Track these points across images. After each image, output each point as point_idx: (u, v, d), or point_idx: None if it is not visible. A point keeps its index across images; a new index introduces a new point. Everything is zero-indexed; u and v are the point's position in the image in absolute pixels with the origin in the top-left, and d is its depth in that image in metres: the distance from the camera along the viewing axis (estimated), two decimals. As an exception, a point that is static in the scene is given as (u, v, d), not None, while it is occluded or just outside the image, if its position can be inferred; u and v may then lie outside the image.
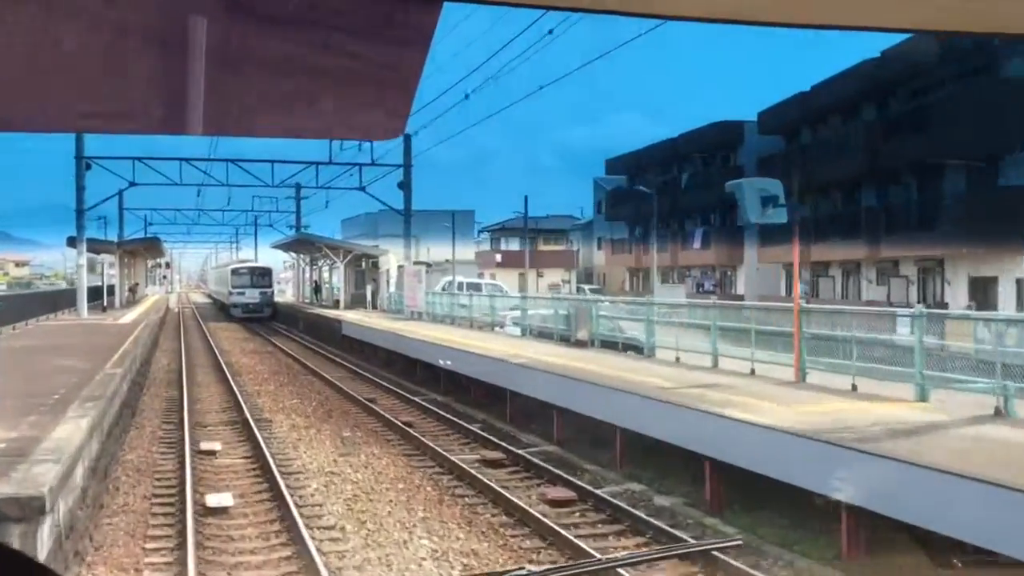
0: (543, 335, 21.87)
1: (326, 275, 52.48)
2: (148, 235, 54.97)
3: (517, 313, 26.52)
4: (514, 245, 64.86)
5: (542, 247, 70.47)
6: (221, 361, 27.71)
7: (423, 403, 18.26)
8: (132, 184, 35.13)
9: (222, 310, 52.91)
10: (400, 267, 37.84)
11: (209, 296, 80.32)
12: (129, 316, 34.40)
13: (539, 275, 62.35)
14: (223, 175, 40.83)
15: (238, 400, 18.66)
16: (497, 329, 25.51)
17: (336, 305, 42.80)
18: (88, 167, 30.79)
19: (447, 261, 41.49)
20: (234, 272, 45.97)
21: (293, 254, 53.47)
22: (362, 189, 36.92)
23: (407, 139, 34.65)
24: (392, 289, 38.03)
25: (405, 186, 35.51)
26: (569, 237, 72.78)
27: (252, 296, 45.07)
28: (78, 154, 32.00)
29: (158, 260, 72.70)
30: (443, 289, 36.00)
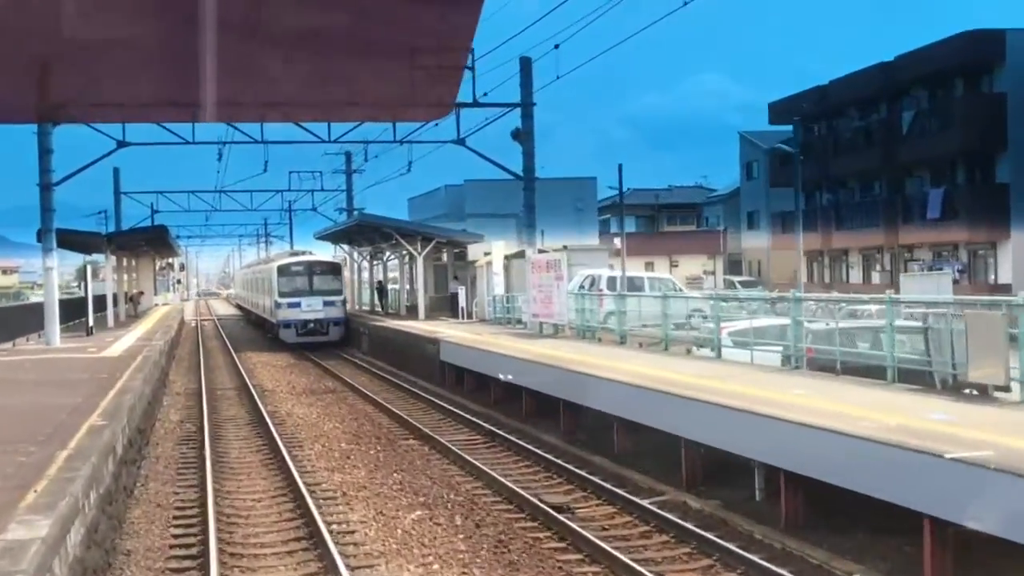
0: (846, 369, 14.47)
1: (393, 273, 46.99)
2: (153, 224, 49.48)
3: (742, 325, 18.83)
4: (627, 227, 58.93)
5: (668, 228, 65.49)
6: (264, 412, 20.89)
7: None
8: (121, 144, 27.78)
9: (259, 327, 47.22)
10: (510, 258, 32.23)
11: (238, 307, 74.11)
12: (123, 342, 27.95)
13: (672, 264, 55.48)
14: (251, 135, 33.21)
15: (319, 531, 11.07)
16: (699, 351, 19.11)
17: (409, 314, 38.79)
18: (56, 121, 22.33)
19: (564, 247, 33.72)
20: (283, 271, 37.53)
21: (345, 247, 47.82)
22: (460, 142, 29.12)
23: (526, 65, 26.80)
24: (499, 290, 31.90)
25: (525, 135, 27.78)
26: (703, 214, 66.35)
27: (313, 308, 36.57)
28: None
29: (168, 260, 68.28)
30: (582, 287, 28.56)
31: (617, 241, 43.67)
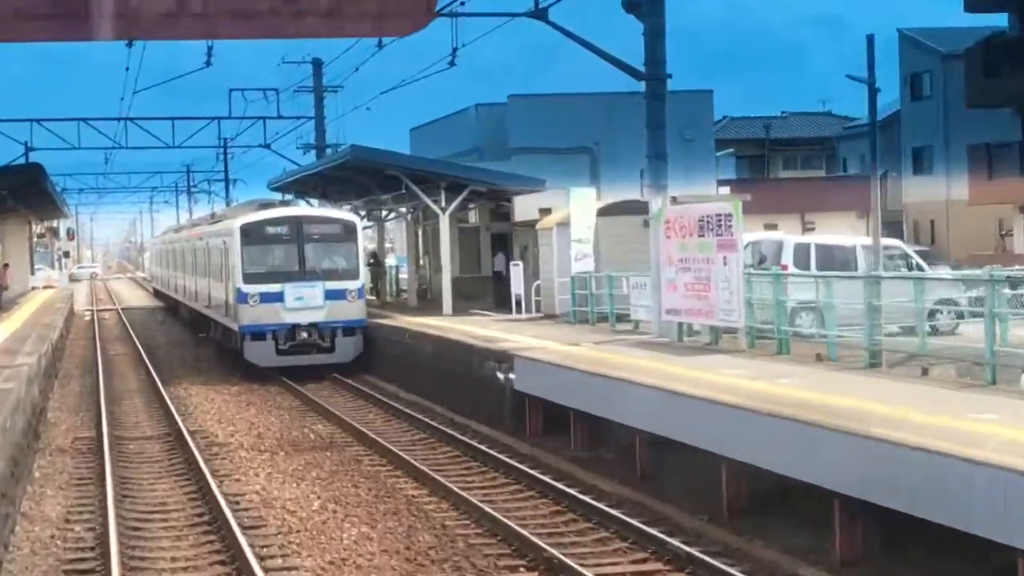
0: None
1: (395, 243, 44.92)
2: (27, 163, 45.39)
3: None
4: (725, 171, 56.82)
5: (785, 174, 63.88)
6: (221, 499, 16.00)
7: None
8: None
9: (199, 331, 42.75)
10: (605, 215, 29.76)
11: (156, 293, 71.18)
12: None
13: (807, 226, 51.03)
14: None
15: None
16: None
17: (424, 304, 37.89)
18: None
19: (674, 199, 30.52)
20: (250, 234, 32.63)
21: (315, 203, 44.28)
22: (538, 15, 23.73)
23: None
24: (582, 267, 29.00)
25: (650, 5, 22.73)
26: (837, 153, 63.65)
27: (307, 302, 31.47)
28: None
29: (50, 223, 65.13)
30: (760, 263, 25.14)
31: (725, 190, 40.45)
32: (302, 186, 43.99)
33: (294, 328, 31.38)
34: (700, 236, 21.31)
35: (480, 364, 24.00)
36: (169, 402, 26.53)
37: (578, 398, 19.35)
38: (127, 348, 42.05)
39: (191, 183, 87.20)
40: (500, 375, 22.51)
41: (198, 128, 53.50)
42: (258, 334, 31.59)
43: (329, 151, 47.14)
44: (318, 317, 31.45)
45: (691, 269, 21.83)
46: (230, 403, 27.49)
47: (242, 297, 31.61)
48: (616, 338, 24.07)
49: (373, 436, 21.42)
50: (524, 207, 33.46)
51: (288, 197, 44.05)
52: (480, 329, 27.88)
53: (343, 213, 36.57)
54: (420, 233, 42.40)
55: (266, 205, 35.35)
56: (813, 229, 50.18)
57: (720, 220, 20.78)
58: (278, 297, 31.39)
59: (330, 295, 31.52)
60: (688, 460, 15.87)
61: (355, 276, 32.26)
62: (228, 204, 63.36)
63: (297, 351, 31.47)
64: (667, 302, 22.67)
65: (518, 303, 31.30)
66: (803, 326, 21.47)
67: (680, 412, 15.77)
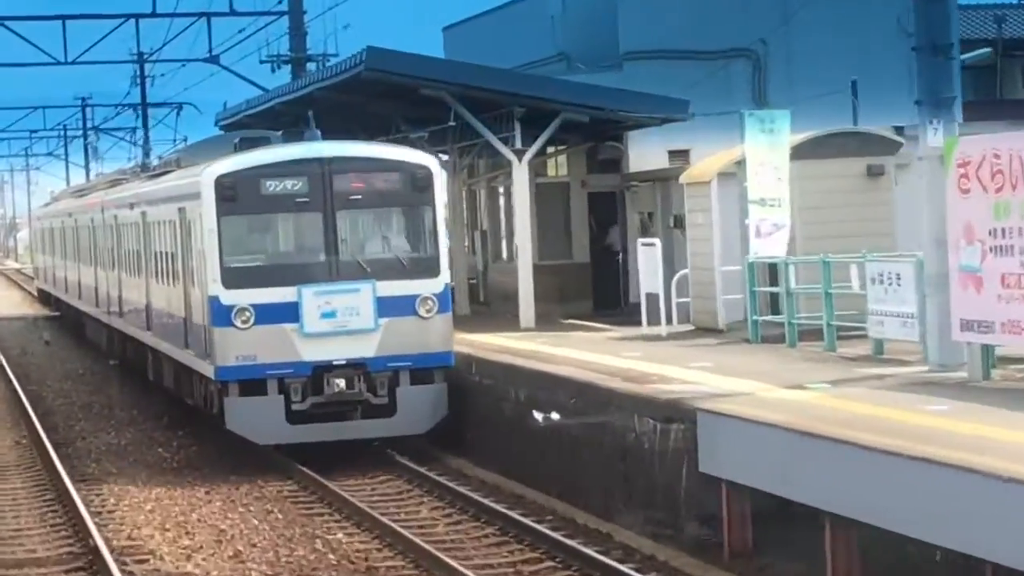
0: None
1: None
2: None
3: None
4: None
5: None
6: None
7: None
8: None
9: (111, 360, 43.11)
10: (800, 150, 29.72)
11: (42, 296, 72.56)
12: None
13: None
14: None
15: None
16: None
17: (474, 307, 38.69)
18: None
19: (901, 132, 32.55)
20: (230, 191, 28.84)
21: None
22: None
23: None
24: (772, 251, 28.92)
25: None
26: None
27: (350, 321, 27.43)
28: None
29: None
30: None
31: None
32: (274, 123, 41.10)
33: (321, 371, 26.87)
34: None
35: (626, 424, 22.15)
36: (71, 488, 24.63)
37: (849, 497, 16.86)
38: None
39: (88, 124, 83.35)
40: (668, 440, 21.03)
41: (104, 32, 51.56)
42: (253, 383, 27.07)
43: (312, 67, 46.16)
44: (365, 350, 26.94)
45: (1017, 249, 20.01)
46: (180, 488, 25.67)
47: (221, 313, 27.04)
48: (858, 373, 22.53)
49: (437, 554, 19.51)
50: (640, 152, 34.78)
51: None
52: (601, 356, 26.42)
53: (406, 150, 31.57)
54: (478, 193, 41.53)
55: (252, 141, 31.13)
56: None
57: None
58: (290, 312, 26.87)
59: (387, 307, 27.14)
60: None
61: (432, 268, 27.96)
62: (146, 156, 60.52)
63: (325, 414, 27.24)
64: (962, 309, 20.93)
65: (649, 308, 29.92)
66: None
67: None
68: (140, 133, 72.04)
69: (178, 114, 67.29)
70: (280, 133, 31.18)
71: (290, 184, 27.52)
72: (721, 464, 19.41)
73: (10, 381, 39.65)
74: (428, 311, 27.06)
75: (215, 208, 27.58)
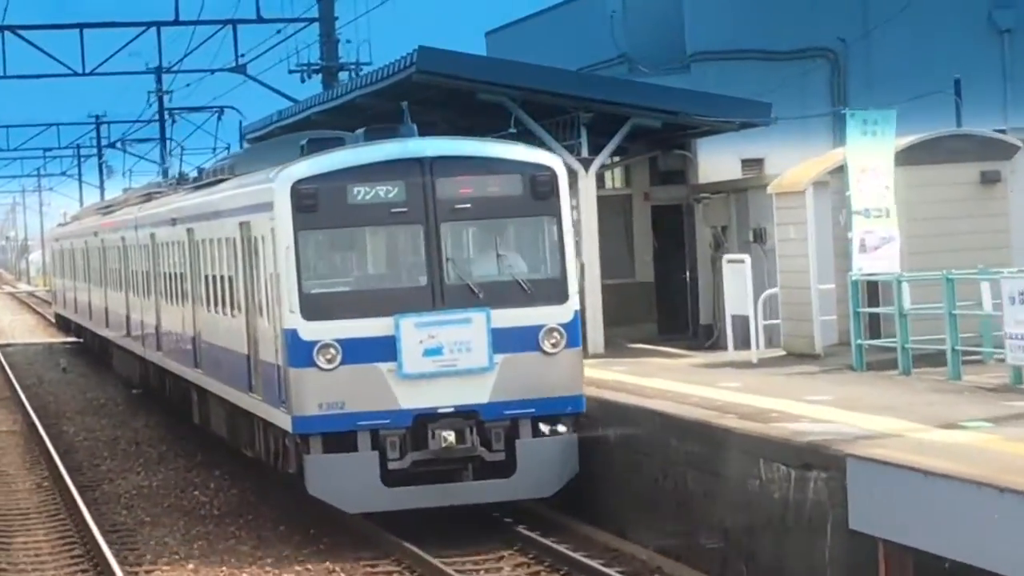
0: None
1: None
2: None
3: None
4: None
5: None
6: None
7: None
8: None
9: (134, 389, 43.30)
10: (904, 155, 29.92)
11: (61, 321, 71.14)
12: None
13: None
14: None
15: None
16: None
17: None
18: None
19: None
20: (310, 201, 25.60)
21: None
22: None
23: None
24: (870, 258, 29.25)
25: None
26: None
27: (458, 359, 24.64)
28: None
29: None
30: None
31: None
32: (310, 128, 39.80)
33: (423, 421, 23.64)
34: None
35: (748, 471, 20.10)
36: (103, 544, 22.48)
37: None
38: (9, 418, 40.50)
39: (103, 142, 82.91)
40: (807, 491, 19.43)
41: (123, 42, 51.23)
42: (340, 437, 23.84)
43: (344, 76, 46.03)
44: (478, 395, 23.80)
45: None
46: (224, 542, 23.77)
47: (300, 350, 23.83)
48: (1012, 408, 20.89)
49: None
50: (708, 162, 35.27)
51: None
52: (695, 388, 24.54)
53: (524, 148, 28.27)
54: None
55: (323, 142, 27.71)
56: None
57: None
58: (385, 349, 23.63)
59: (504, 341, 23.97)
60: None
61: (559, 293, 24.89)
62: (165, 172, 59.26)
63: (429, 473, 24.10)
64: None
65: (737, 333, 29.16)
66: None
67: None
68: (171, 145, 70.10)
69: (219, 119, 65.79)
70: (362, 131, 27.22)
71: (384, 191, 24.19)
72: (879, 521, 17.55)
73: (27, 413, 39.64)
74: (554, 345, 23.86)
75: (292, 221, 24.30)
